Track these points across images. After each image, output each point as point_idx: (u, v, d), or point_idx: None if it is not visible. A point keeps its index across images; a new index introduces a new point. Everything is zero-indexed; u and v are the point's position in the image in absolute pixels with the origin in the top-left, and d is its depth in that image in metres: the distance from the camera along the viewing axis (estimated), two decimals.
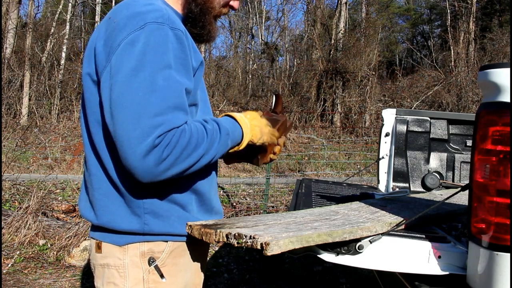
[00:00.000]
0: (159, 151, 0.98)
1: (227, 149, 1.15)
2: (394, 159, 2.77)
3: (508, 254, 1.06)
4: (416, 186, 2.75)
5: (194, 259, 1.23)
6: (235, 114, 1.20)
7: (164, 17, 1.07)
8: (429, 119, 2.79)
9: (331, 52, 16.86)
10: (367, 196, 2.02)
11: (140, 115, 0.99)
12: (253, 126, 1.21)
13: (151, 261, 1.14)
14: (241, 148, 1.20)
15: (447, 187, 2.69)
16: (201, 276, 1.29)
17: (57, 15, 17.33)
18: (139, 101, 1.00)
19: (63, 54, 15.68)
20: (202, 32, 1.27)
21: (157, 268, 1.14)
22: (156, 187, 1.10)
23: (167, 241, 1.16)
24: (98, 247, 1.18)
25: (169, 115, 1.01)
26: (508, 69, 1.10)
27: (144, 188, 1.09)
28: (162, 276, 1.15)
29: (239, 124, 1.18)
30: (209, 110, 1.29)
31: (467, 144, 2.81)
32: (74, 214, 5.10)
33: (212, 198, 1.28)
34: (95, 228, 1.19)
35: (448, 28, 19.92)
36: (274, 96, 1.48)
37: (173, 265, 1.17)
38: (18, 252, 3.95)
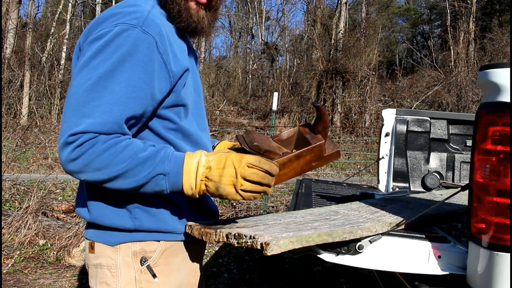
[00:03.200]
0: (69, 150, 0.99)
1: (161, 189, 1.05)
2: (394, 159, 2.77)
3: (508, 254, 1.06)
4: (416, 186, 2.74)
5: (189, 258, 1.23)
6: (191, 159, 1.05)
7: (140, 19, 1.06)
8: (429, 119, 2.79)
9: (331, 52, 16.86)
10: (367, 196, 2.02)
11: (73, 111, 1.01)
12: (210, 179, 1.04)
13: (143, 260, 1.14)
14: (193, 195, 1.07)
15: (447, 187, 2.69)
16: (197, 276, 1.28)
17: (57, 15, 17.34)
18: (77, 97, 1.01)
19: (63, 54, 15.69)
20: (175, 20, 1.18)
21: (149, 268, 1.14)
22: None
23: (159, 241, 1.16)
24: (91, 247, 1.18)
25: (96, 118, 0.99)
26: (508, 69, 1.10)
27: None
28: (154, 276, 1.15)
29: (182, 173, 1.04)
30: (201, 112, 1.28)
31: (467, 144, 2.81)
32: (74, 214, 5.10)
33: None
34: (89, 226, 1.20)
35: (448, 28, 19.92)
36: (315, 109, 1.21)
37: (166, 265, 1.17)
38: (18, 252, 3.95)
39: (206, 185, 1.05)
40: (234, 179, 1.02)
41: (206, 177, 1.04)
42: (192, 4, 1.19)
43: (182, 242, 1.20)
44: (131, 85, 1.03)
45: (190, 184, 1.04)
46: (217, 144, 1.40)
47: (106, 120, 1.00)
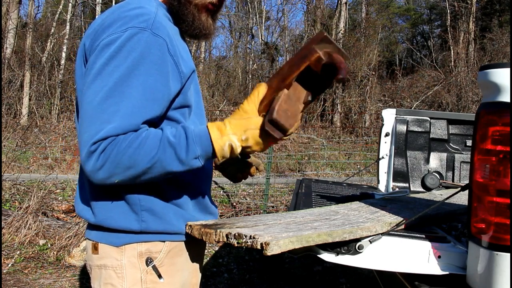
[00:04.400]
0: (94, 158, 0.98)
1: (197, 167, 1.07)
2: (394, 159, 2.77)
3: (508, 254, 1.06)
4: (416, 186, 2.75)
5: (191, 258, 1.23)
6: (212, 128, 1.08)
7: (149, 22, 1.06)
8: (429, 119, 2.80)
9: None
10: (367, 196, 2.02)
11: (92, 120, 1.00)
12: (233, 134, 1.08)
13: (148, 261, 1.14)
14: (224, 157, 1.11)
15: (447, 187, 2.69)
16: (198, 276, 1.29)
17: (57, 15, 17.34)
18: (95, 105, 1.00)
19: (63, 54, 15.68)
20: (188, 27, 1.21)
21: (155, 268, 1.14)
22: (152, 186, 1.11)
23: (164, 241, 1.16)
24: (95, 248, 1.17)
25: (116, 123, 0.99)
26: (508, 69, 1.10)
27: (140, 186, 1.10)
28: (160, 276, 1.15)
29: (211, 140, 1.06)
30: (202, 112, 1.28)
31: (467, 144, 2.81)
32: (74, 214, 5.10)
33: (207, 198, 1.29)
34: (92, 228, 1.19)
35: (448, 28, 19.93)
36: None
37: (170, 265, 1.17)
38: (18, 252, 3.96)
39: (246, 152, 1.11)
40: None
41: (246, 151, 1.10)
42: (204, 13, 1.21)
43: (186, 242, 1.20)
44: (148, 88, 1.02)
45: (225, 157, 1.09)
46: None
47: (127, 123, 1.00)
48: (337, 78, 1.01)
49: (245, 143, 1.07)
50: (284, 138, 1.09)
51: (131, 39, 1.03)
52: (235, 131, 1.07)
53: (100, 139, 0.98)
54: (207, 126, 1.09)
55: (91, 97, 1.01)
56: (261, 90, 1.10)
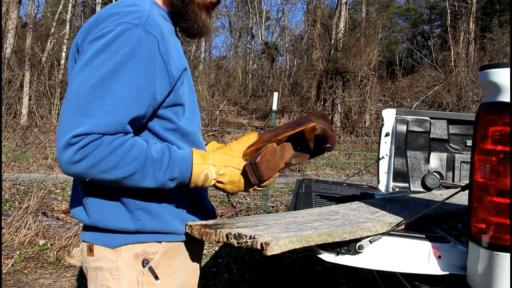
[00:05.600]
0: (72, 151, 0.97)
1: (169, 188, 1.09)
2: (394, 159, 2.77)
3: (508, 254, 1.06)
4: (416, 186, 2.74)
5: (189, 259, 1.22)
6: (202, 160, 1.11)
7: (142, 19, 1.05)
8: (429, 119, 2.79)
9: (331, 52, 16.85)
10: (367, 196, 2.02)
11: (74, 110, 0.99)
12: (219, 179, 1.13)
13: (145, 262, 1.13)
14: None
15: (447, 187, 2.69)
16: (196, 276, 1.28)
17: (57, 15, 17.35)
18: (79, 96, 0.99)
19: (63, 54, 15.68)
20: (190, 26, 1.23)
21: (151, 269, 1.13)
22: None
23: (160, 242, 1.15)
24: (90, 250, 1.16)
25: (100, 119, 0.98)
26: (508, 69, 1.10)
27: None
28: (156, 277, 1.14)
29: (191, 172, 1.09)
30: (196, 109, 1.28)
31: (467, 144, 2.81)
32: None
33: (204, 197, 1.28)
34: (87, 229, 1.18)
35: (448, 28, 19.93)
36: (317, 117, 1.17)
37: (167, 266, 1.16)
38: (18, 252, 3.95)
39: (216, 187, 1.15)
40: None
41: (217, 186, 1.14)
42: (204, 12, 1.23)
43: (183, 243, 1.19)
44: (135, 85, 1.02)
45: (196, 185, 1.12)
46: (205, 145, 1.40)
47: (112, 121, 0.99)
48: (325, 145, 1.13)
49: (220, 178, 1.12)
50: (257, 187, 1.16)
51: (123, 34, 1.02)
52: (216, 163, 1.11)
53: (83, 134, 0.97)
54: (191, 151, 1.11)
55: (77, 87, 1.00)
56: (252, 137, 1.17)
